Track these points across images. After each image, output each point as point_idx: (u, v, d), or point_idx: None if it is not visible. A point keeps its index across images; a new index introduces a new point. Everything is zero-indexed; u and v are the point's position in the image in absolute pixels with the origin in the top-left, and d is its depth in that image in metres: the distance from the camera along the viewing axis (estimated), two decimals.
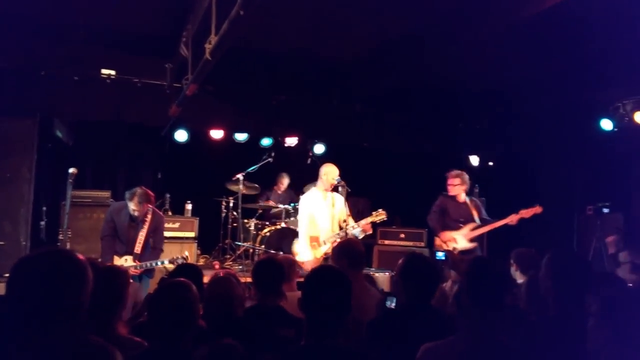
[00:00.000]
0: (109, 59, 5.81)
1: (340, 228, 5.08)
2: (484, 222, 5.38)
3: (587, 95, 6.40)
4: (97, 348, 1.32)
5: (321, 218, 5.15)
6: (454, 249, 5.31)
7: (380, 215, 5.06)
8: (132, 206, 4.74)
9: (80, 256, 1.64)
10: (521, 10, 3.93)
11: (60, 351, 1.31)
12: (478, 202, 5.60)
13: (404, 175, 8.03)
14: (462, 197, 5.44)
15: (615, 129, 6.56)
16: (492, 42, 4.79)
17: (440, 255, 5.06)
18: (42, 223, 5.98)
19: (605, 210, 6.94)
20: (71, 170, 4.84)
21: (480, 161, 8.08)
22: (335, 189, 5.22)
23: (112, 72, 5.80)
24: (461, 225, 5.36)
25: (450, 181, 5.44)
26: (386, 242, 7.32)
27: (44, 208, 6.12)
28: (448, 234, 5.37)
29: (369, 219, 5.05)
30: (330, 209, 5.16)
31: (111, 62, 5.80)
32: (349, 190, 5.90)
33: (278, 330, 2.55)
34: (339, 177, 5.12)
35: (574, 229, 7.79)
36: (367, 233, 5.15)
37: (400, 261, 2.61)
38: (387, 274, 6.47)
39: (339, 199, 5.23)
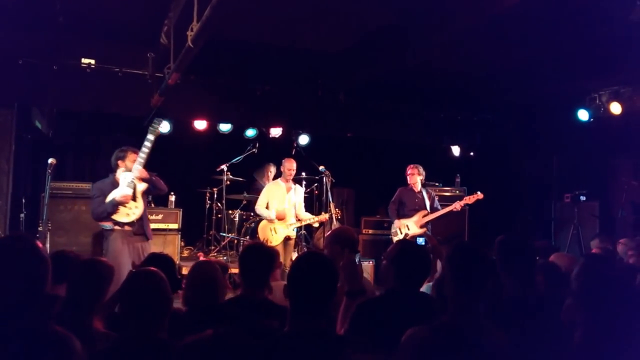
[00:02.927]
0: (89, 48, 5.69)
1: (298, 219, 5.80)
2: (433, 210, 6.05)
3: (564, 87, 6.53)
4: (56, 337, 1.31)
5: (280, 206, 5.73)
6: (406, 234, 5.94)
7: (324, 217, 5.89)
8: (128, 163, 4.42)
9: (38, 242, 1.62)
10: (500, 1, 3.99)
11: (16, 338, 1.30)
12: (432, 193, 6.29)
13: (387, 165, 8.10)
14: (418, 187, 6.13)
15: (592, 119, 6.71)
16: (473, 34, 4.85)
17: (420, 240, 5.49)
18: (22, 215, 5.87)
19: (582, 199, 7.13)
20: (50, 160, 4.71)
21: (461, 151, 8.20)
22: (298, 181, 6.12)
23: (92, 61, 5.69)
24: (415, 213, 6.05)
25: (409, 171, 6.15)
26: (370, 231, 7.39)
27: (23, 200, 6.02)
28: (402, 221, 6.05)
29: (316, 218, 5.91)
30: (292, 199, 5.79)
31: (91, 51, 5.69)
32: (334, 180, 6.00)
33: (263, 321, 2.50)
34: (323, 167, 5.87)
35: (552, 216, 7.99)
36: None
37: (390, 247, 2.62)
38: (371, 262, 6.56)
39: (300, 191, 5.95)
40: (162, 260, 2.95)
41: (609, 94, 6.48)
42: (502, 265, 2.55)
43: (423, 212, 6.01)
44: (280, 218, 5.64)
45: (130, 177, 4.38)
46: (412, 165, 6.19)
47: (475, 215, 7.01)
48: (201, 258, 6.73)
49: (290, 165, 5.76)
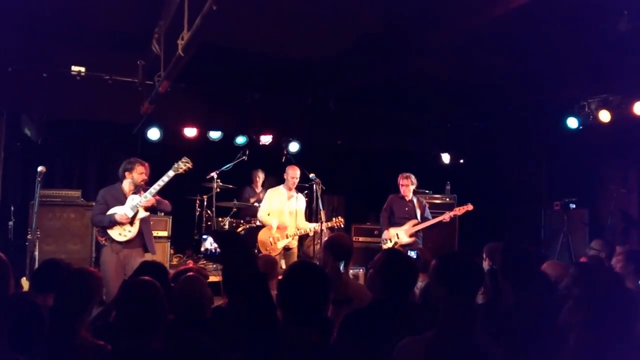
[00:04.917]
0: (79, 55, 5.67)
1: (297, 228, 5.80)
2: (423, 220, 6.02)
3: (553, 95, 6.58)
4: None
5: (282, 214, 5.76)
6: (396, 243, 5.92)
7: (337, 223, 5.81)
8: (134, 174, 4.58)
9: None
10: (489, 10, 4.03)
11: None
12: (423, 202, 6.27)
13: (377, 172, 8.12)
14: (410, 196, 6.10)
15: (581, 127, 6.77)
16: (462, 43, 4.89)
17: (412, 254, 5.42)
18: (11, 223, 5.82)
19: (572, 206, 7.18)
20: (40, 168, 4.74)
21: (452, 159, 8.23)
22: (300, 189, 6.06)
23: (82, 69, 5.67)
24: (405, 221, 5.99)
25: (401, 182, 6.06)
26: (360, 239, 7.38)
27: (12, 208, 5.96)
28: (391, 231, 5.99)
29: (316, 227, 5.71)
30: (292, 206, 5.83)
31: (81, 59, 5.67)
32: (324, 187, 6.01)
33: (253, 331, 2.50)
34: (313, 175, 5.79)
35: (541, 224, 8.03)
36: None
37: (377, 257, 2.59)
38: (361, 270, 6.55)
39: (302, 200, 5.95)
40: (154, 268, 2.94)
41: (597, 102, 6.54)
42: (504, 274, 2.55)
43: (413, 222, 5.97)
44: (282, 228, 5.71)
45: (137, 201, 4.54)
46: (404, 175, 6.08)
47: (465, 223, 7.03)
48: (190, 265, 6.69)
49: (293, 173, 5.80)
